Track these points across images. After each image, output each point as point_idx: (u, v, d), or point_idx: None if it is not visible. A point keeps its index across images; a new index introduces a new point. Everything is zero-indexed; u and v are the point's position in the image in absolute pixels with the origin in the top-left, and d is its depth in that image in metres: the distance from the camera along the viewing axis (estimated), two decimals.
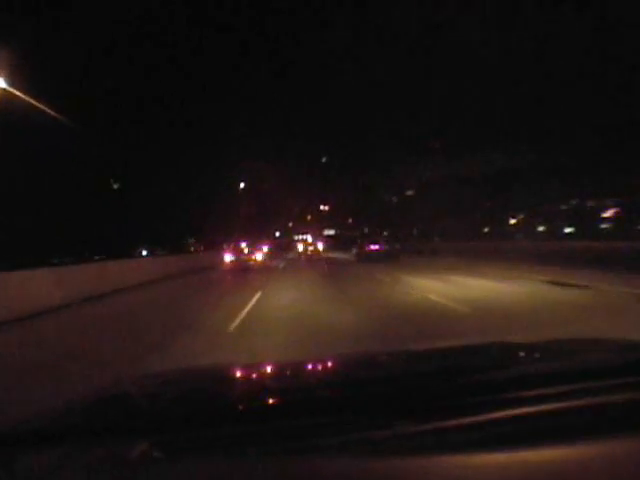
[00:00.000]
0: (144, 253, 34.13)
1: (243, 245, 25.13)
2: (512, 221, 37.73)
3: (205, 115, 34.29)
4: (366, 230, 62.50)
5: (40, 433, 1.09)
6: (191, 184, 31.11)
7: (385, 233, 55.18)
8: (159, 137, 27.61)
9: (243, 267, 21.42)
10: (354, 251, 30.51)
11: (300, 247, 39.75)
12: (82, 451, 1.01)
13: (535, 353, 1.73)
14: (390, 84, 34.00)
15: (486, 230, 37.15)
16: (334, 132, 52.12)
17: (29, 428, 1.14)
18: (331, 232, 54.86)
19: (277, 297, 10.23)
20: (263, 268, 22.03)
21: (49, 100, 16.52)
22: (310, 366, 1.97)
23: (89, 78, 22.04)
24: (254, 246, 24.87)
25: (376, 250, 23.23)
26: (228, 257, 22.57)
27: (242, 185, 38.76)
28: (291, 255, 41.71)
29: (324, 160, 54.60)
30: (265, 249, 29.88)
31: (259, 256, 24.28)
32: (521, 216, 36.89)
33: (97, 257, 26.35)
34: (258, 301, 9.35)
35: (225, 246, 26.96)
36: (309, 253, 36.12)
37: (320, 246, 38.02)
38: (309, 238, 43.98)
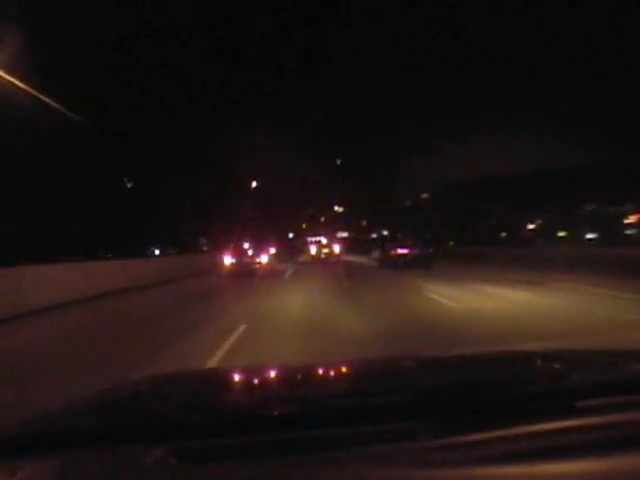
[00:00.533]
0: (157, 252, 34.01)
1: (246, 246, 22.07)
2: (530, 226, 36.83)
3: (219, 114, 33.98)
4: (385, 232, 61.77)
5: (47, 437, 1.08)
6: (202, 182, 30.81)
7: (399, 235, 54.66)
8: (172, 136, 27.28)
9: (243, 272, 18.35)
10: (374, 254, 28.65)
11: (313, 249, 34.76)
12: (94, 456, 0.99)
13: (576, 364, 1.63)
14: (406, 83, 33.35)
15: (504, 235, 36.33)
16: (349, 134, 51.66)
17: (35, 431, 1.12)
18: (344, 234, 54.32)
19: (268, 336, 6.33)
20: (266, 274, 19.20)
21: (61, 97, 16.38)
22: (328, 372, 1.90)
23: (103, 75, 21.78)
24: (259, 247, 21.67)
25: (405, 255, 19.96)
26: (228, 260, 19.25)
27: (254, 184, 38.09)
28: (302, 258, 38.12)
29: (339, 162, 54.27)
30: (272, 251, 26.98)
31: (264, 259, 20.96)
32: (539, 221, 36.00)
33: (110, 255, 26.17)
34: (234, 348, 5.49)
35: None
36: (323, 256, 32.37)
37: (337, 248, 34.48)
38: (323, 240, 40.24)
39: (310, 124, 45.17)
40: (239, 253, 19.78)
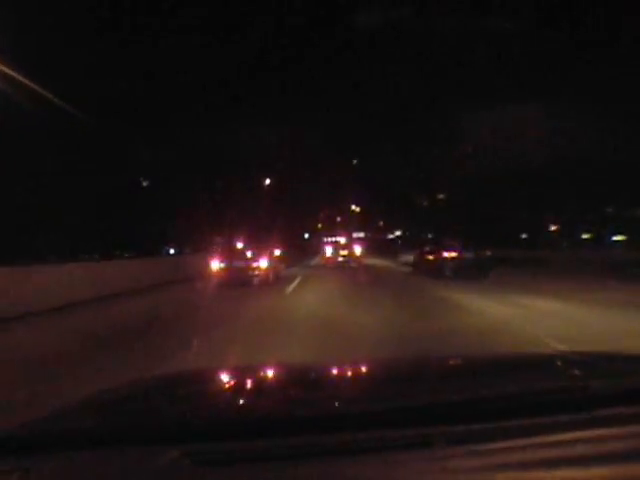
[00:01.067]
0: (171, 252, 33.87)
1: (241, 247, 18.23)
2: (552, 227, 35.77)
3: (231, 112, 33.80)
4: (398, 232, 60.99)
5: (56, 436, 1.07)
6: (216, 180, 30.57)
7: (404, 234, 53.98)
8: (186, 135, 27.14)
9: (235, 279, 14.55)
10: (403, 259, 25.49)
11: (328, 251, 28.48)
12: (103, 456, 0.98)
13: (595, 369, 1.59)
14: (424, 80, 32.73)
15: (524, 237, 35.33)
16: (366, 133, 51.17)
17: (44, 431, 1.11)
18: (360, 234, 53.81)
19: None
20: (264, 284, 14.86)
21: (78, 97, 16.32)
22: (343, 373, 1.86)
23: (122, 73, 21.74)
24: (261, 248, 16.91)
25: (453, 259, 15.29)
26: (216, 264, 15.27)
27: (267, 182, 37.35)
28: (316, 260, 32.85)
29: (355, 162, 53.87)
30: (277, 252, 22.68)
31: (263, 263, 15.47)
32: (559, 223, 34.91)
33: (127, 255, 25.99)
34: None
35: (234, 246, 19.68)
36: (341, 259, 26.67)
37: (358, 250, 28.58)
38: (341, 239, 35.49)
39: (327, 124, 44.86)
40: (231, 255, 15.86)
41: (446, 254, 15.50)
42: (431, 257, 16.75)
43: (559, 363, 1.76)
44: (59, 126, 18.05)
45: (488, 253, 15.91)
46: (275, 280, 16.06)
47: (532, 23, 23.47)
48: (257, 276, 15.09)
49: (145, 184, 31.44)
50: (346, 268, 23.63)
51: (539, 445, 0.98)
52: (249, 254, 15.77)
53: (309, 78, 43.66)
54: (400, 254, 29.75)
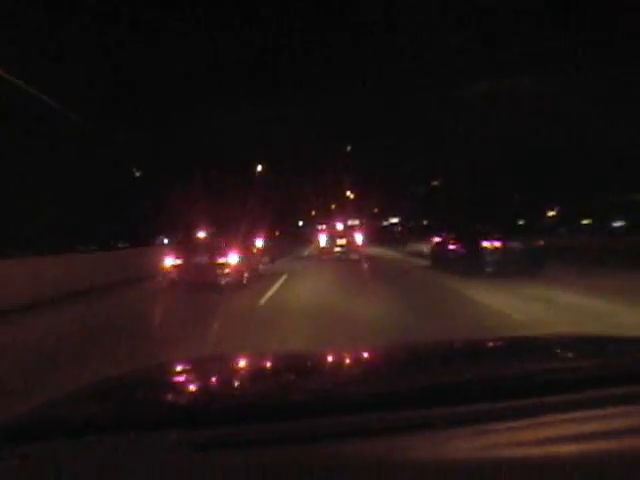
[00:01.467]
0: (165, 241, 33.35)
1: (203, 237, 14.91)
2: (550, 213, 35.49)
3: (223, 100, 32.95)
4: (395, 220, 60.61)
5: (56, 423, 1.08)
6: (208, 168, 29.76)
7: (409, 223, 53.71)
8: (177, 123, 26.40)
9: (195, 280, 11.37)
10: (410, 248, 23.49)
11: (323, 240, 23.51)
12: (104, 442, 0.99)
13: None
14: (420, 66, 32.00)
15: (521, 223, 35.04)
16: (360, 120, 50.43)
17: (44, 417, 1.13)
18: (355, 222, 53.36)
19: None
20: (234, 288, 11.21)
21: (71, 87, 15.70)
22: (343, 358, 1.85)
23: (117, 63, 21.05)
24: (231, 239, 13.17)
25: (496, 250, 11.91)
26: (169, 261, 11.90)
27: (259, 168, 36.01)
28: (308, 251, 29.04)
29: (349, 149, 53.27)
30: (259, 244, 19.05)
31: (233, 258, 11.85)
32: (557, 208, 34.67)
33: (122, 245, 25.52)
34: None
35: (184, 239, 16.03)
36: (338, 250, 22.30)
37: (359, 239, 23.67)
38: (339, 225, 30.80)
39: (320, 110, 44.09)
40: (191, 249, 12.37)
41: (487, 244, 12.01)
42: (459, 247, 13.66)
43: (551, 345, 1.81)
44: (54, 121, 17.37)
45: (541, 242, 12.64)
46: (252, 279, 12.52)
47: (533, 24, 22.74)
48: (225, 275, 11.41)
49: (138, 174, 30.69)
50: (345, 261, 20.17)
51: (534, 425, 1.00)
52: (215, 246, 12.20)
53: (304, 62, 42.76)
54: (408, 243, 26.81)
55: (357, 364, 1.75)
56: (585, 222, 29.47)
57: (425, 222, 47.98)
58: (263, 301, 9.26)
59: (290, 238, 41.13)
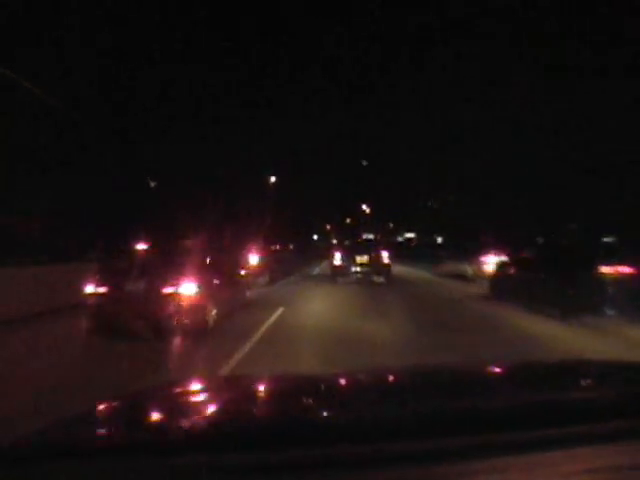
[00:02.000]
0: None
1: (144, 250, 11.61)
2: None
3: (239, 112, 33.17)
4: (411, 235, 59.82)
5: (65, 446, 1.05)
6: (223, 182, 29.84)
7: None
8: (189, 133, 26.55)
9: (119, 321, 7.02)
10: (444, 268, 19.86)
11: (337, 257, 17.98)
12: (116, 466, 0.96)
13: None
14: (430, 77, 31.92)
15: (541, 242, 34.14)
16: (376, 133, 50.64)
17: (52, 440, 1.09)
18: (370, 236, 53.12)
19: None
20: (170, 344, 6.69)
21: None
22: (366, 383, 1.83)
23: (126, 72, 21.26)
24: (193, 255, 9.01)
25: (618, 280, 8.39)
26: (91, 288, 7.53)
27: (273, 179, 34.90)
28: (319, 269, 24.49)
29: (364, 164, 53.50)
30: (254, 260, 16.18)
31: (188, 288, 7.35)
32: (574, 225, 33.75)
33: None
34: None
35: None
36: (357, 269, 17.16)
37: (385, 256, 17.88)
38: (370, 235, 24.76)
39: (336, 124, 44.30)
40: (123, 272, 7.93)
41: (607, 269, 8.53)
42: (543, 273, 9.81)
43: (573, 372, 1.76)
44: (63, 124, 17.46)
45: None
46: (227, 316, 8.53)
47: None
48: (173, 315, 7.14)
49: (153, 184, 30.79)
50: (367, 284, 15.73)
51: (556, 459, 0.96)
52: (163, 267, 7.90)
53: (321, 75, 43.13)
54: (441, 262, 21.73)
55: (371, 389, 1.71)
56: (607, 240, 28.57)
57: (440, 239, 47.05)
58: (225, 372, 4.99)
59: (301, 252, 40.01)
